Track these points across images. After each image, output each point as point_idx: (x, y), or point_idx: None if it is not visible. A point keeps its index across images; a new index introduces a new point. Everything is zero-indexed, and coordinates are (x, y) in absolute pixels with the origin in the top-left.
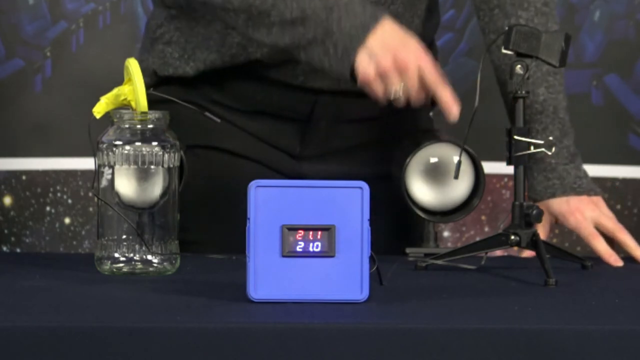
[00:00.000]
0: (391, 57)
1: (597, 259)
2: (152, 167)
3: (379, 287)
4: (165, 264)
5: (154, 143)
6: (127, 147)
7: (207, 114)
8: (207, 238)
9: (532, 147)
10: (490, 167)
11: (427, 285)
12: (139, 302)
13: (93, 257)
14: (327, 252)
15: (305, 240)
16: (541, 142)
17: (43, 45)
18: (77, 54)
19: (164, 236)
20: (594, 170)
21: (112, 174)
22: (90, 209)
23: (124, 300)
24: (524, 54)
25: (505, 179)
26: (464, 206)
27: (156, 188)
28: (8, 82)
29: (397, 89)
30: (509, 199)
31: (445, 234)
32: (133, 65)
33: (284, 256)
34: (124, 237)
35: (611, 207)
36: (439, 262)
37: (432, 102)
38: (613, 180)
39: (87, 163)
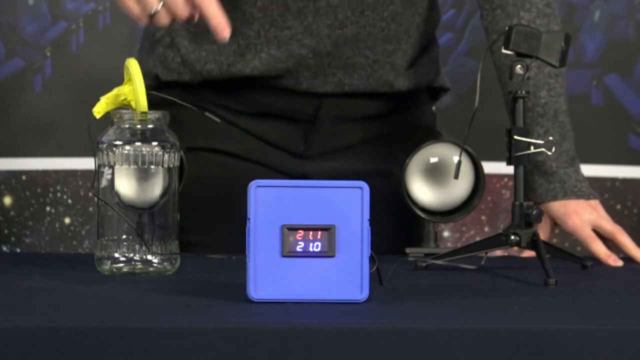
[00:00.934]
0: None
1: (597, 260)
2: (152, 167)
3: (379, 287)
4: (165, 264)
5: (154, 143)
6: (127, 147)
7: (207, 114)
8: (207, 240)
9: (532, 147)
10: (490, 167)
11: (427, 285)
12: (139, 302)
13: (93, 257)
14: (327, 252)
15: (305, 240)
16: (541, 142)
17: (43, 45)
18: (77, 54)
19: (164, 236)
20: (594, 170)
21: (112, 174)
22: (90, 209)
23: (124, 300)
24: (524, 54)
25: (505, 179)
26: (464, 206)
27: (156, 188)
28: (8, 82)
29: (156, 7)
30: (509, 199)
31: (445, 234)
32: (133, 65)
33: (284, 256)
34: (124, 237)
35: (611, 207)
36: (439, 262)
37: (433, 96)
38: (613, 180)
39: (87, 163)
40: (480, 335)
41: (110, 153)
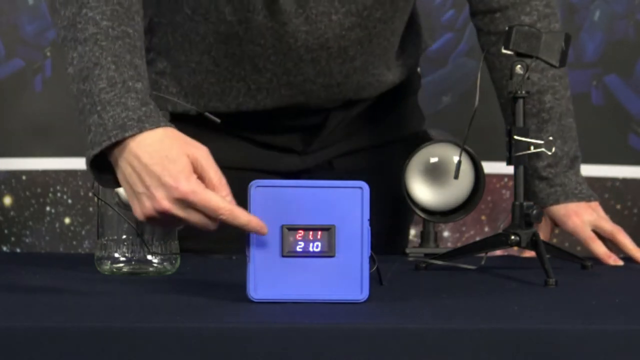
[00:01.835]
0: (150, 204)
1: (597, 260)
2: None
3: (379, 287)
4: (165, 264)
5: None
6: None
7: (207, 114)
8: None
9: (532, 147)
10: (490, 167)
11: (427, 285)
12: (139, 302)
13: (93, 257)
14: (327, 252)
15: (305, 240)
16: (541, 142)
17: (43, 45)
18: None
19: (164, 236)
20: (594, 170)
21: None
22: (90, 209)
23: (124, 300)
24: (524, 54)
25: (505, 179)
26: (464, 206)
27: None
28: (8, 82)
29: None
30: (509, 199)
31: (445, 234)
32: None
33: (284, 256)
34: (124, 237)
35: (611, 207)
36: (439, 262)
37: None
38: (613, 180)
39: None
40: (480, 335)
41: None
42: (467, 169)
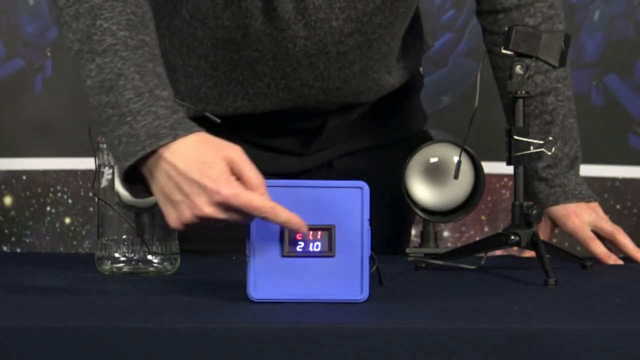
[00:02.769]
0: (190, 212)
1: (597, 260)
2: None
3: (379, 287)
4: (165, 264)
5: None
6: None
7: (207, 114)
8: (206, 247)
9: (532, 147)
10: (490, 167)
11: (427, 285)
12: (139, 302)
13: (93, 257)
14: (327, 252)
15: (305, 240)
16: (541, 142)
17: (43, 45)
18: None
19: (164, 236)
20: (594, 170)
21: (112, 174)
22: (90, 209)
23: (124, 300)
24: (523, 54)
25: (505, 179)
26: (464, 206)
27: None
28: (8, 82)
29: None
30: (509, 199)
31: (445, 234)
32: None
33: (284, 256)
34: (124, 237)
35: (611, 207)
36: (439, 262)
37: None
38: (613, 180)
39: (87, 163)
40: (480, 335)
41: (110, 153)
42: (467, 169)
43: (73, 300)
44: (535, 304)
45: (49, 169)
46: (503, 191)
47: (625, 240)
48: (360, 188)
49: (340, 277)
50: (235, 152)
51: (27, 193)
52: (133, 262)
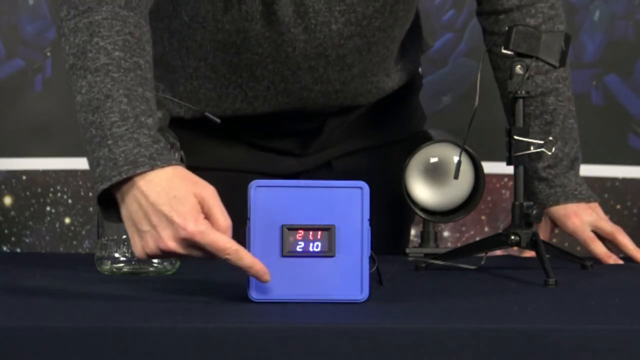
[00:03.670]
0: (154, 244)
1: (597, 260)
2: None
3: (379, 287)
4: (165, 264)
5: None
6: None
7: (207, 114)
8: None
9: (532, 147)
10: (490, 167)
11: (427, 285)
12: (139, 302)
13: (93, 257)
14: (327, 252)
15: (305, 240)
16: (541, 142)
17: (43, 45)
18: None
19: None
20: (594, 170)
21: None
22: (90, 209)
23: (124, 300)
24: (524, 54)
25: (505, 179)
26: (464, 206)
27: None
28: (8, 82)
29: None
30: (509, 199)
31: (445, 234)
32: None
33: (284, 256)
34: (124, 237)
35: (611, 207)
36: (439, 262)
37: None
38: (613, 180)
39: (87, 163)
40: (480, 335)
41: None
42: (467, 169)
43: (73, 301)
44: (535, 304)
45: (49, 169)
46: (503, 191)
47: (625, 240)
48: (360, 188)
49: (340, 277)
50: (207, 191)
51: (27, 193)
52: (133, 262)
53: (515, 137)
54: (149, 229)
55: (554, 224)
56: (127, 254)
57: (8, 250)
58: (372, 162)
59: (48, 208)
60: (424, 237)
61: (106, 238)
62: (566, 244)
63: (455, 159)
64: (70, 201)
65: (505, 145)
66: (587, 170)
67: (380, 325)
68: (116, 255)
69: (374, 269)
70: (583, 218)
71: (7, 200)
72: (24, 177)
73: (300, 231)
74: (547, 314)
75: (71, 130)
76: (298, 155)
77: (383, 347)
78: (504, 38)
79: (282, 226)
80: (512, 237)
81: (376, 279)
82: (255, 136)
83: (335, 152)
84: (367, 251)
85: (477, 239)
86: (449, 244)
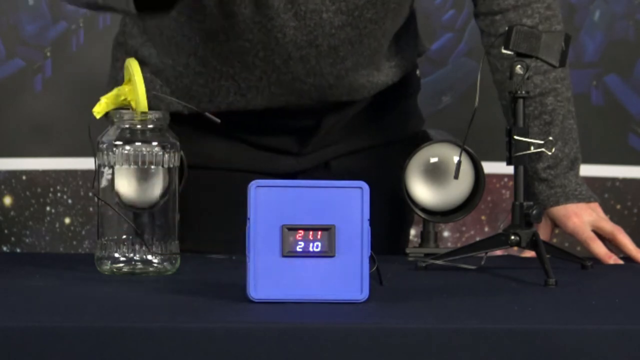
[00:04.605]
0: None
1: (597, 260)
2: (152, 167)
3: (379, 287)
4: (165, 264)
5: (154, 143)
6: (127, 147)
7: (207, 114)
8: (206, 247)
9: (532, 147)
10: (490, 167)
11: (427, 285)
12: (139, 302)
13: (93, 257)
14: (327, 252)
15: (305, 240)
16: (541, 142)
17: (43, 45)
18: (77, 54)
19: (164, 236)
20: (594, 170)
21: (112, 174)
22: (90, 209)
23: (124, 300)
24: (524, 54)
25: (505, 179)
26: (464, 206)
27: (156, 188)
28: (8, 82)
29: None
30: (509, 199)
31: (445, 234)
32: (133, 65)
33: (284, 256)
34: (124, 237)
35: (611, 207)
36: (439, 262)
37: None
38: (613, 180)
39: (87, 163)
40: (480, 335)
41: (110, 153)
42: (467, 169)
43: (73, 300)
44: (535, 304)
45: (49, 169)
46: (503, 191)
47: (625, 240)
48: (360, 188)
49: (340, 277)
50: None
51: (27, 193)
52: (133, 262)
53: (516, 137)
54: None
55: (554, 224)
56: (127, 254)
57: (8, 250)
58: (371, 162)
59: (48, 208)
60: (424, 237)
61: (106, 238)
62: (566, 244)
63: (455, 159)
64: (70, 201)
65: (505, 145)
66: (587, 170)
67: (380, 325)
68: (116, 255)
69: (374, 269)
70: (583, 218)
71: (7, 200)
72: (24, 177)
73: (300, 231)
74: (547, 314)
75: (71, 130)
76: (296, 154)
77: (383, 347)
78: (504, 38)
79: (282, 226)
80: (512, 237)
81: (376, 279)
82: (252, 133)
83: (333, 151)
84: (367, 251)
85: (477, 239)
86: (449, 244)
